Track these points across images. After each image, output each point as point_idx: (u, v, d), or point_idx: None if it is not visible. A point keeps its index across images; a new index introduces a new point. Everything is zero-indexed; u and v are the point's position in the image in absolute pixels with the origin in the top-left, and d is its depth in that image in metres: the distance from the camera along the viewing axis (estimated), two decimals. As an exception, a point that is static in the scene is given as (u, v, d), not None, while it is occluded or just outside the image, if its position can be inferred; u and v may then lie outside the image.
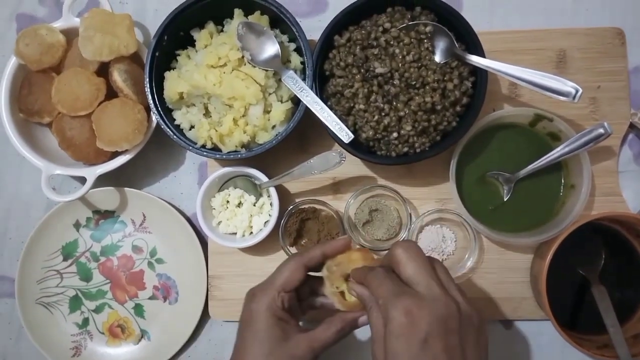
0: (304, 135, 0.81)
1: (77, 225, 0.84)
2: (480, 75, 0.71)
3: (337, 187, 0.81)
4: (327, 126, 0.70)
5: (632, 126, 0.79)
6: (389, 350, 0.50)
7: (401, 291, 0.52)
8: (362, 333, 0.79)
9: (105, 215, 0.84)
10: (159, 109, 0.75)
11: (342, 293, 0.63)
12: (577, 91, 0.66)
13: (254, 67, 0.73)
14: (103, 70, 0.78)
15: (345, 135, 0.69)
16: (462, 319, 0.51)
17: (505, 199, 0.76)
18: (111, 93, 0.78)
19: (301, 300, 0.65)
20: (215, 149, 0.75)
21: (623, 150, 0.80)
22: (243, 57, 0.73)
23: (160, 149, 0.84)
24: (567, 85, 0.66)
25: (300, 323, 0.65)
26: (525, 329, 0.79)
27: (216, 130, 0.73)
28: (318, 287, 0.66)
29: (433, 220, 0.79)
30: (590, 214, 0.77)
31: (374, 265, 0.59)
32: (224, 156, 0.74)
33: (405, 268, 0.54)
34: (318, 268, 0.64)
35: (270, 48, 0.73)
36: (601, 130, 0.70)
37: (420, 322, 0.49)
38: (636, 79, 0.80)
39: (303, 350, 0.59)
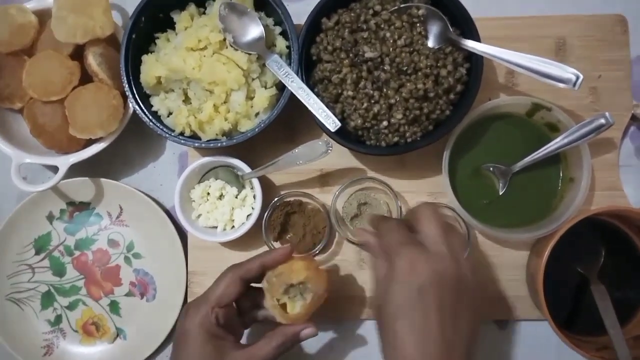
0: (290, 124, 0.77)
1: (50, 218, 0.79)
2: (475, 62, 0.67)
3: (324, 179, 0.77)
4: (313, 114, 0.66)
5: (634, 118, 0.76)
6: (388, 293, 0.51)
7: (409, 241, 0.53)
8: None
9: (80, 207, 0.79)
10: (135, 94, 0.71)
11: (283, 305, 0.61)
12: (577, 78, 0.62)
13: (237, 50, 0.69)
14: (78, 54, 0.74)
15: (332, 123, 0.65)
16: (460, 280, 0.51)
17: (500, 193, 0.73)
18: (86, 78, 0.74)
19: (243, 313, 0.64)
20: (195, 137, 0.71)
21: (624, 143, 0.77)
22: (225, 39, 0.69)
23: (139, 138, 0.80)
24: (567, 72, 0.62)
25: (245, 337, 0.63)
26: (520, 330, 0.76)
27: (195, 117, 0.69)
28: (260, 300, 0.63)
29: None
30: (590, 209, 0.74)
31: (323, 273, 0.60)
32: (203, 144, 0.69)
33: (421, 223, 0.55)
34: (259, 279, 0.62)
35: (254, 30, 0.69)
36: (602, 121, 0.67)
37: (421, 272, 0.50)
38: (639, 68, 0.77)
39: None
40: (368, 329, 0.75)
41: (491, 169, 0.73)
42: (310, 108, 0.65)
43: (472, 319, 0.51)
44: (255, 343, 0.60)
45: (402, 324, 0.49)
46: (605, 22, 0.76)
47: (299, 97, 0.66)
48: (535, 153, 0.70)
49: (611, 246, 0.71)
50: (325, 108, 0.66)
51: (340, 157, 0.76)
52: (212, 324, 0.58)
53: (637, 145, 0.77)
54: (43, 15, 0.75)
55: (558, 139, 0.68)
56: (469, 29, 0.67)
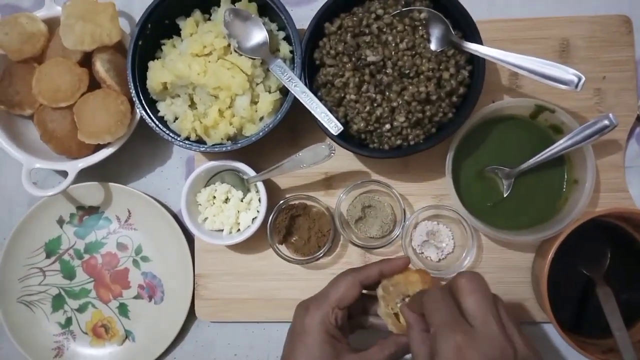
0: (294, 128, 0.77)
1: (60, 222, 0.81)
2: (477, 64, 0.67)
3: (329, 182, 0.78)
4: (315, 117, 0.66)
5: (639, 119, 0.75)
6: None
7: (455, 322, 0.48)
8: None
9: (89, 211, 0.81)
10: (142, 99, 0.72)
11: (396, 315, 0.60)
12: (579, 79, 0.62)
13: (241, 55, 0.70)
14: (87, 60, 0.76)
15: (334, 127, 0.65)
16: None
17: (505, 195, 0.72)
18: (95, 84, 0.75)
19: (350, 318, 0.63)
20: (200, 141, 0.72)
21: (630, 144, 0.76)
22: (229, 45, 0.70)
23: (147, 143, 0.81)
24: (569, 73, 0.62)
25: None
26: (526, 332, 0.75)
27: (201, 122, 0.70)
28: (369, 306, 0.64)
29: (429, 217, 0.76)
30: (595, 210, 0.73)
31: (433, 288, 0.56)
32: (209, 149, 0.70)
33: (466, 298, 0.49)
34: (373, 286, 0.62)
35: (258, 35, 0.70)
36: (606, 122, 0.66)
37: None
38: (644, 69, 0.77)
39: None
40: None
41: (495, 171, 0.73)
42: (312, 112, 0.66)
43: None
44: (369, 349, 0.59)
45: None
46: (610, 23, 0.76)
47: (302, 101, 0.67)
48: (539, 155, 0.70)
49: (617, 248, 0.70)
50: (328, 112, 0.66)
51: (344, 160, 0.77)
52: (331, 325, 0.58)
53: (643, 146, 0.76)
54: (52, 24, 0.76)
55: (561, 141, 0.68)
56: (471, 32, 0.67)
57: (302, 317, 0.60)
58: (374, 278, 0.61)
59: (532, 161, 0.71)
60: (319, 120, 0.66)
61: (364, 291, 0.62)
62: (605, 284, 0.68)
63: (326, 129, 0.66)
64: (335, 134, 0.65)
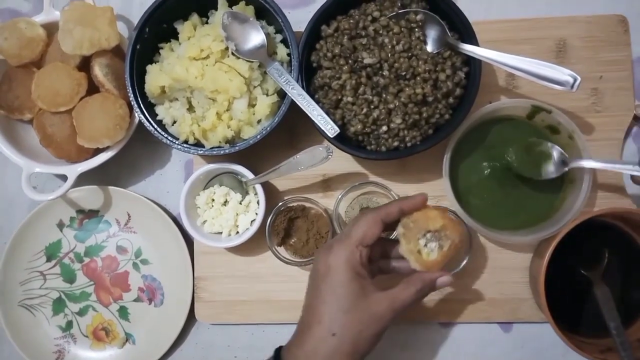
0: (293, 130, 0.78)
1: (60, 225, 0.81)
2: (474, 65, 0.68)
3: (327, 184, 0.78)
4: (312, 120, 0.67)
5: (636, 118, 0.75)
6: None
7: None
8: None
9: (89, 214, 0.81)
10: (140, 103, 0.72)
11: (419, 252, 0.59)
12: (575, 80, 0.62)
13: (238, 58, 0.70)
14: (86, 65, 0.76)
15: (331, 129, 0.65)
16: None
17: (502, 196, 0.72)
18: (93, 88, 0.75)
19: (370, 262, 0.61)
20: (199, 144, 0.72)
21: (627, 144, 0.76)
22: (227, 48, 0.71)
23: (146, 146, 0.82)
24: (564, 74, 0.62)
25: None
26: (524, 332, 0.76)
27: (199, 125, 0.70)
28: (389, 250, 0.63)
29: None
30: (592, 210, 0.73)
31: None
32: (207, 152, 0.71)
33: None
34: (392, 226, 0.61)
35: (256, 37, 0.70)
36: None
37: None
38: (641, 68, 0.77)
39: (384, 309, 0.56)
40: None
41: (492, 171, 0.73)
42: (309, 114, 0.66)
43: None
44: (395, 287, 0.58)
45: None
46: (606, 23, 0.76)
47: (298, 103, 0.67)
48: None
49: (615, 248, 0.70)
50: (324, 114, 0.66)
51: (342, 162, 0.77)
52: (357, 262, 0.57)
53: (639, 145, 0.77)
54: (51, 28, 0.77)
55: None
56: (467, 33, 0.68)
57: (325, 257, 0.58)
58: (394, 215, 0.60)
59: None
60: (316, 123, 0.67)
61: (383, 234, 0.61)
62: (603, 283, 0.68)
63: (323, 131, 0.66)
64: (332, 137, 0.66)
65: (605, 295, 0.67)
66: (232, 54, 0.71)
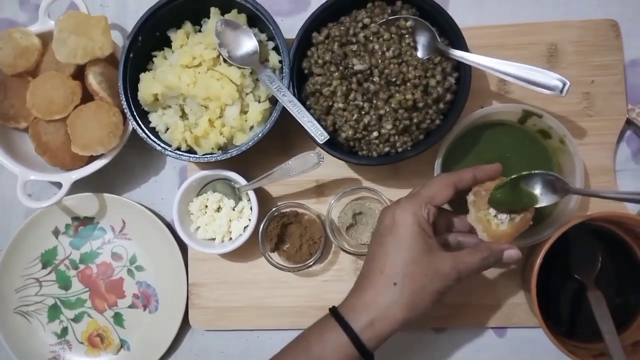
0: (285, 137, 0.78)
1: (56, 232, 0.82)
2: (464, 71, 0.68)
3: (320, 189, 0.78)
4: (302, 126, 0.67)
5: (629, 122, 0.75)
6: None
7: None
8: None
9: (84, 221, 0.82)
10: (134, 111, 0.73)
11: (488, 222, 0.58)
12: (564, 84, 0.62)
13: (230, 66, 0.71)
14: (80, 73, 0.77)
15: (320, 136, 0.66)
16: None
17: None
18: (88, 96, 0.76)
19: (436, 234, 0.60)
20: (192, 151, 0.73)
21: (621, 148, 0.76)
22: (218, 56, 0.71)
23: (141, 154, 0.82)
24: (553, 78, 0.62)
25: None
26: (519, 337, 0.75)
27: (191, 132, 0.71)
28: (455, 222, 0.63)
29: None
30: (585, 214, 0.73)
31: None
32: (200, 158, 0.71)
33: None
34: (464, 193, 0.60)
35: (248, 44, 0.71)
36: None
37: None
38: (633, 72, 0.77)
39: (448, 268, 0.55)
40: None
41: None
42: (299, 121, 0.67)
43: None
44: (461, 251, 0.57)
45: None
46: (598, 27, 0.76)
47: (289, 110, 0.67)
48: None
49: (609, 252, 0.70)
50: (315, 121, 0.67)
51: (335, 167, 0.77)
52: (424, 219, 0.56)
53: (633, 149, 0.76)
54: (46, 38, 0.77)
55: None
56: (457, 39, 0.68)
57: (392, 211, 0.57)
58: (467, 182, 0.59)
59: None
60: (306, 129, 0.67)
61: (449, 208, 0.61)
62: (596, 288, 0.68)
63: (313, 137, 0.67)
64: (321, 142, 0.66)
65: (599, 299, 0.67)
66: (224, 61, 0.71)
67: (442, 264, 0.55)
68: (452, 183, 0.58)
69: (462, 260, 0.56)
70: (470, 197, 0.60)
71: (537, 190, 0.60)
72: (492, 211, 0.59)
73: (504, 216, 0.59)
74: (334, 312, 0.57)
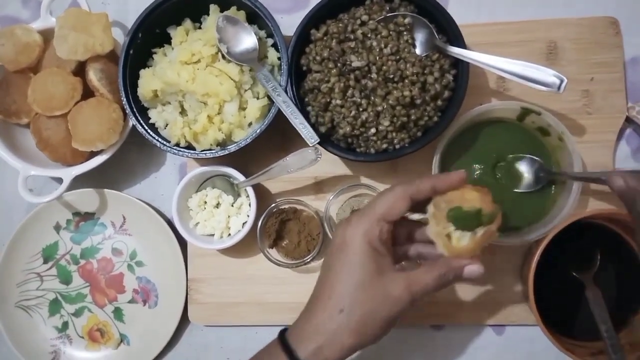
0: (284, 133, 0.78)
1: (57, 228, 0.82)
2: (462, 68, 0.68)
3: (319, 186, 0.78)
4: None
5: (629, 120, 0.75)
6: None
7: None
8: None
9: (85, 217, 0.82)
10: (133, 107, 0.73)
11: (448, 236, 0.54)
12: (561, 81, 0.62)
13: (229, 62, 0.71)
14: (81, 70, 0.77)
15: (311, 138, 0.66)
16: None
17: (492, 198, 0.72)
18: (88, 93, 0.77)
19: (395, 245, 0.57)
20: (190, 147, 0.73)
21: (620, 146, 0.76)
22: (217, 53, 0.72)
23: (141, 150, 0.83)
24: (550, 75, 0.62)
25: None
26: (517, 335, 0.75)
27: (190, 128, 0.71)
28: (416, 232, 0.58)
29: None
30: (584, 212, 0.73)
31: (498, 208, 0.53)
32: (198, 154, 0.72)
33: None
34: (422, 205, 0.56)
35: (248, 40, 0.71)
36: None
37: None
38: (633, 70, 0.76)
39: (400, 291, 0.52)
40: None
41: (482, 174, 0.73)
42: (291, 122, 0.67)
43: None
44: (415, 269, 0.53)
45: None
46: (597, 25, 0.76)
47: (282, 110, 0.68)
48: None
49: (607, 250, 0.70)
50: (306, 123, 0.67)
51: (334, 164, 0.77)
52: (375, 237, 0.53)
53: (633, 147, 0.76)
54: (47, 34, 0.78)
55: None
56: (455, 36, 0.68)
57: (343, 230, 0.54)
58: (426, 193, 0.55)
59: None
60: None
61: (413, 217, 0.56)
62: (594, 285, 0.68)
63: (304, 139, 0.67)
64: (311, 145, 0.66)
65: (597, 297, 0.67)
66: (223, 57, 0.72)
67: (393, 287, 0.52)
68: (408, 196, 0.54)
69: (416, 280, 0.53)
70: (430, 209, 0.55)
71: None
72: (452, 227, 0.54)
73: (464, 232, 0.54)
74: (281, 338, 0.55)
